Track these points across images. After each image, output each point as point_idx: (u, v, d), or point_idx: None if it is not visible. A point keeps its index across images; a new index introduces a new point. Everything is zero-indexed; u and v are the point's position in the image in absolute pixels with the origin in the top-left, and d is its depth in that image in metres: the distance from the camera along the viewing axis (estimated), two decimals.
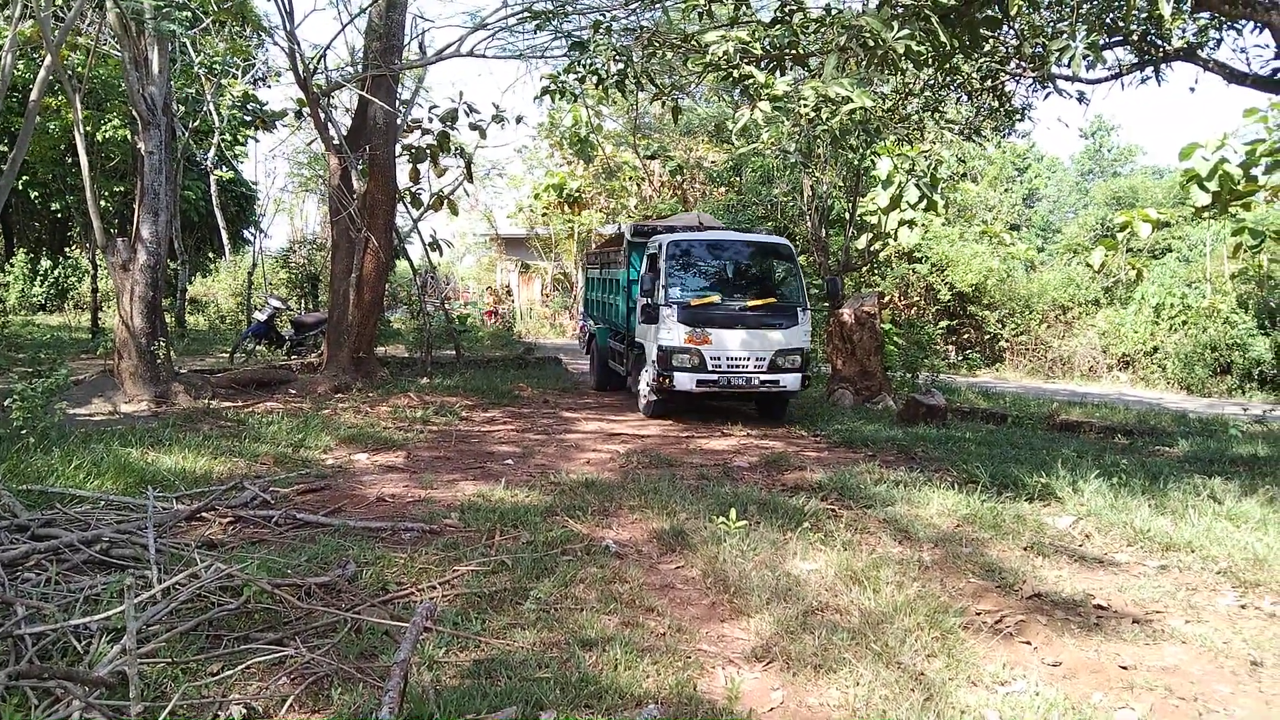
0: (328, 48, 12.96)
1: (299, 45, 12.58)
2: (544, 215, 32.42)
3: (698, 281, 12.56)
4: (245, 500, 6.83)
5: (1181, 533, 7.02)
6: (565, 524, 6.74)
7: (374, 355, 14.69)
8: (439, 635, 4.54)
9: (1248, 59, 12.16)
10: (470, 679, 4.13)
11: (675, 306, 11.95)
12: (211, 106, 20.38)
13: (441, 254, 16.75)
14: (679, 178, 29.34)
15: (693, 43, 7.17)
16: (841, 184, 22.31)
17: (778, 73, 6.65)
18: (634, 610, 5.18)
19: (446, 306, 22.07)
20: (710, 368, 11.92)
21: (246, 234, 28.14)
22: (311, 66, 12.90)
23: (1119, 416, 14.37)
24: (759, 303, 12.35)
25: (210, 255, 26.10)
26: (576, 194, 31.02)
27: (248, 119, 23.55)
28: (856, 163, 17.65)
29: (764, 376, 12.02)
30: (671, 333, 11.88)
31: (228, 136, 23.44)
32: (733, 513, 6.58)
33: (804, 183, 20.40)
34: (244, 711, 3.69)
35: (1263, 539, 6.81)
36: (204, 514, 6.46)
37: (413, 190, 14.25)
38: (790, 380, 12.18)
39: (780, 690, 4.31)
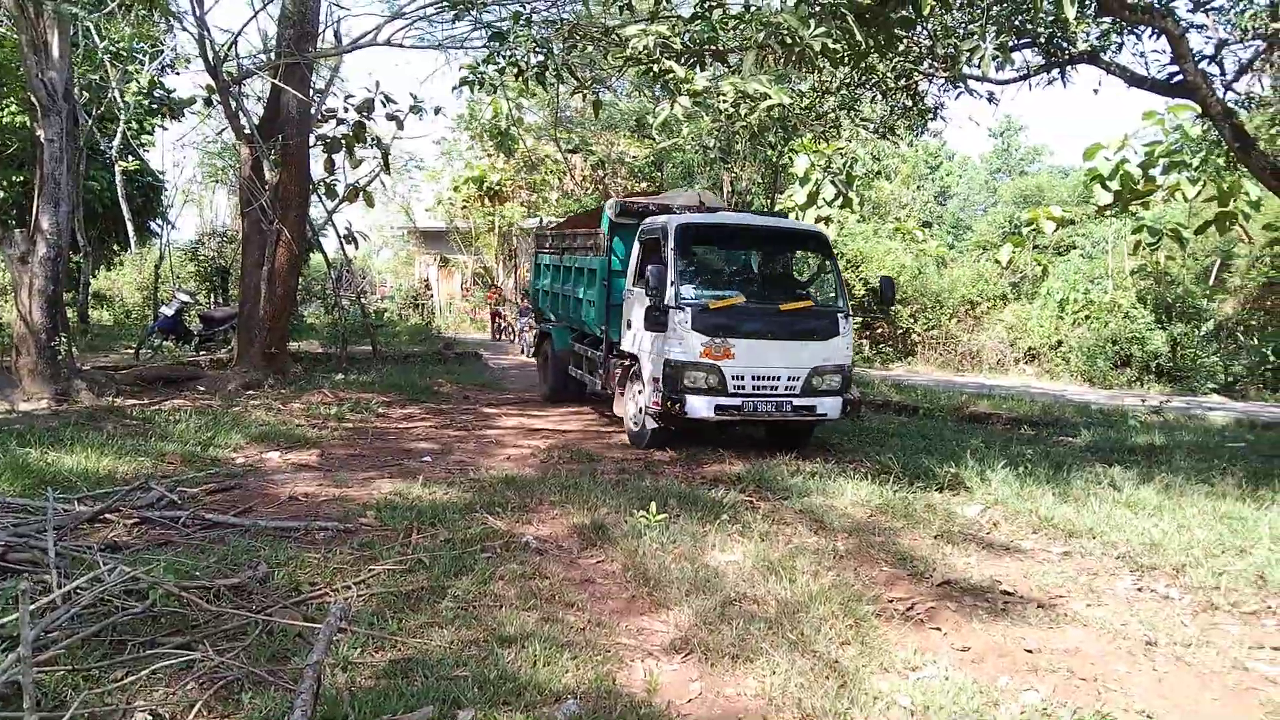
0: (239, 34, 12.57)
1: (209, 31, 12.20)
2: (464, 208, 32.04)
3: (714, 278, 10.29)
4: (151, 501, 6.61)
5: (1083, 520, 7.30)
6: (484, 521, 6.68)
7: (287, 351, 14.35)
8: (354, 636, 4.46)
9: (1146, 63, 12.65)
10: (386, 679, 4.07)
11: (689, 310, 9.17)
12: (116, 93, 19.61)
13: (357, 247, 16.43)
14: (601, 172, 29.30)
15: (613, 36, 7.17)
16: (760, 180, 22.59)
17: (698, 68, 6.70)
18: (554, 606, 5.17)
19: (363, 301, 21.66)
20: (732, 389, 9.22)
21: (153, 226, 27.19)
22: (222, 53, 12.51)
23: (1025, 408, 14.85)
24: (793, 307, 9.67)
25: (115, 248, 25.14)
26: (497, 187, 30.75)
27: (155, 107, 22.73)
28: (775, 159, 17.86)
29: (797, 401, 9.44)
30: (684, 343, 9.15)
31: (134, 125, 22.59)
32: (653, 506, 6.63)
33: (724, 178, 20.58)
34: (149, 719, 3.58)
35: (1158, 525, 7.12)
36: (107, 515, 6.23)
37: (328, 181, 13.95)
38: (829, 405, 9.59)
39: (698, 681, 4.35)
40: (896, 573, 6.06)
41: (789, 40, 6.38)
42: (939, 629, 5.21)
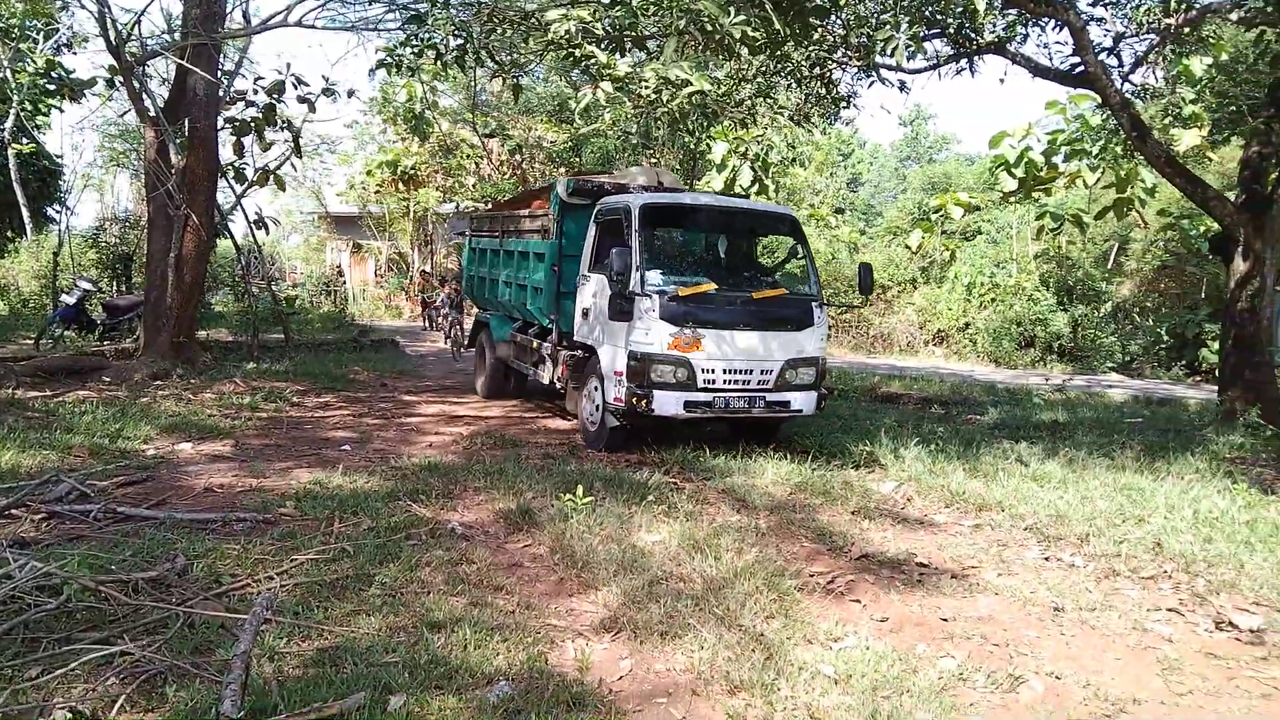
0: (143, 13, 12.13)
1: (110, 9, 11.73)
2: (377, 193, 31.47)
3: (680, 263, 9.67)
4: (60, 495, 6.37)
5: (993, 493, 7.59)
6: (408, 509, 6.63)
7: (196, 340, 13.93)
8: (279, 626, 4.40)
9: (1050, 55, 13.14)
10: (315, 668, 4.03)
11: (657, 297, 8.46)
12: (9, 74, 18.70)
13: (268, 232, 16.00)
14: (518, 157, 29.07)
15: (534, 20, 7.15)
16: (678, 166, 22.70)
17: (619, 54, 6.72)
18: (482, 590, 5.18)
19: (274, 287, 21.13)
20: (702, 383, 8.55)
21: (51, 211, 26.04)
22: (125, 32, 12.05)
23: (935, 388, 15.31)
24: (766, 295, 9.00)
25: (10, 235, 24.00)
26: (412, 171, 30.26)
27: (51, 88, 21.72)
28: (694, 146, 17.97)
29: (771, 396, 8.82)
30: (651, 333, 8.45)
31: (28, 106, 21.58)
32: (579, 489, 6.66)
33: (643, 164, 20.62)
34: (69, 715, 3.48)
35: (1063, 497, 7.44)
36: (14, 511, 5.99)
37: (236, 165, 13.55)
38: (803, 400, 8.98)
39: (629, 659, 4.42)
40: (817, 548, 6.24)
41: (709, 27, 6.45)
42: (859, 601, 5.38)
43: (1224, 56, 14.37)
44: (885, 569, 5.91)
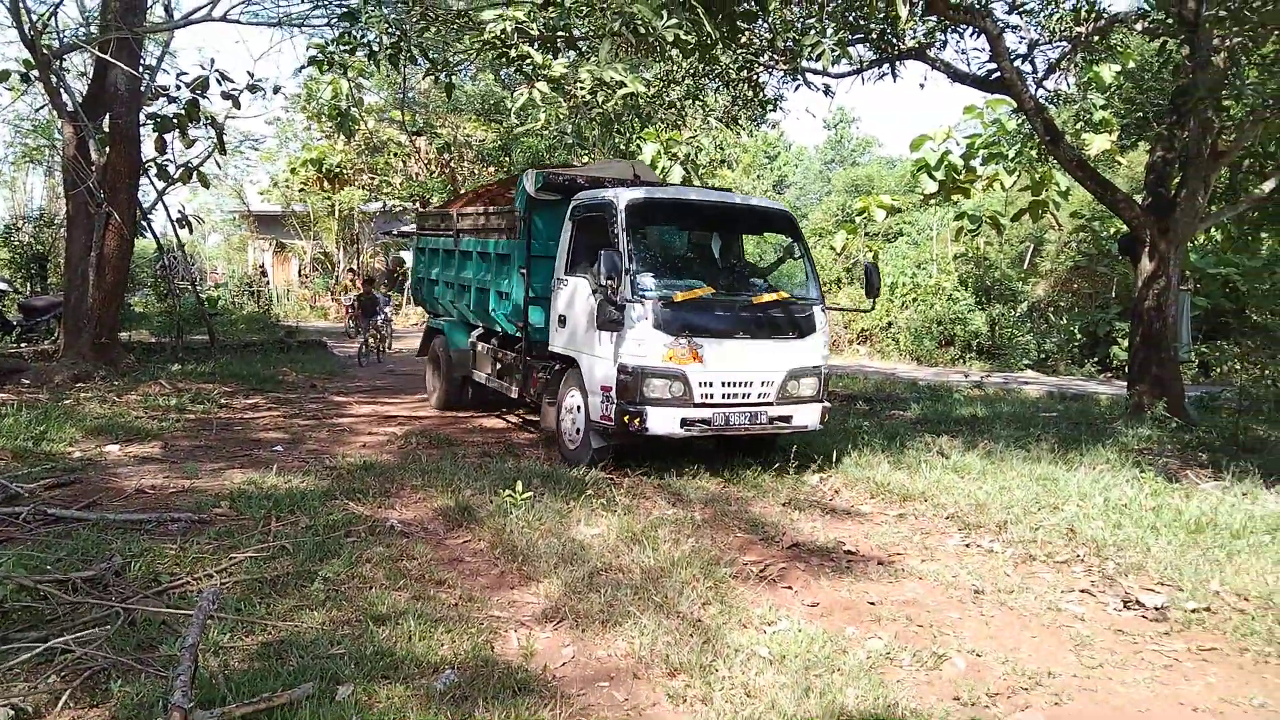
0: (60, 4, 11.82)
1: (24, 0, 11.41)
2: (301, 191, 30.96)
3: (671, 265, 8.72)
4: None
5: (916, 485, 7.88)
6: (346, 507, 6.64)
7: (118, 341, 13.61)
8: (221, 622, 4.41)
9: (968, 60, 13.61)
10: (260, 661, 4.07)
11: (650, 304, 7.67)
12: None
13: (191, 231, 15.69)
14: (447, 155, 28.89)
15: (467, 19, 7.23)
16: None
17: (553, 55, 6.83)
18: (424, 584, 5.24)
19: (198, 288, 20.68)
20: (699, 398, 7.76)
21: None
22: (40, 24, 11.72)
23: (860, 385, 15.72)
24: (766, 299, 8.26)
25: None
26: (337, 170, 29.86)
27: None
28: (623, 146, 18.13)
29: (774, 410, 8.08)
30: (644, 344, 7.61)
31: None
32: (519, 485, 6.73)
33: (575, 164, 20.70)
34: (11, 713, 3.48)
35: (982, 487, 7.76)
36: None
37: (159, 162, 13.27)
38: (807, 414, 8.28)
39: (571, 646, 4.54)
40: (750, 538, 6.43)
41: (643, 30, 6.60)
42: (790, 587, 5.59)
43: (1131, 64, 15.03)
44: (815, 557, 6.13)
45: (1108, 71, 16.02)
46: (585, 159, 20.17)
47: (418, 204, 29.84)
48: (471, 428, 10.66)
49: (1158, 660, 4.81)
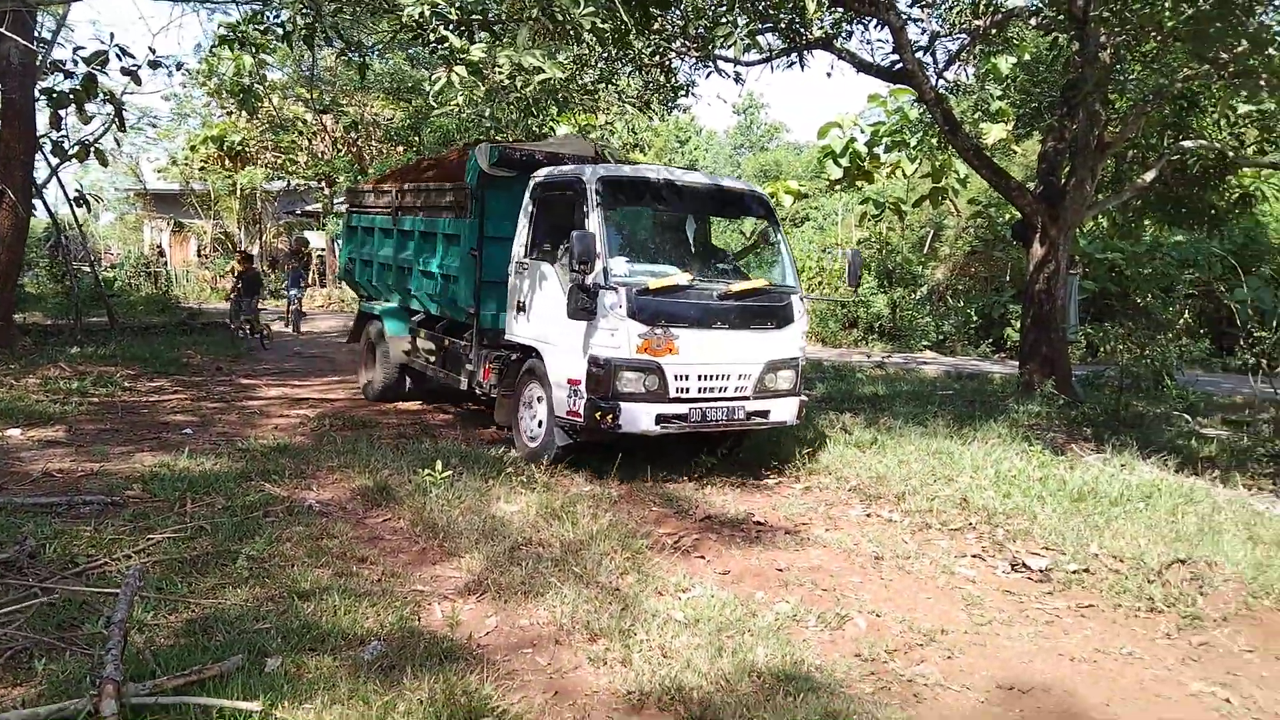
0: None
1: None
2: (202, 169, 30.04)
3: (645, 250, 8.26)
4: None
5: (821, 459, 8.23)
6: (262, 488, 6.63)
7: (13, 323, 13.12)
8: (144, 600, 4.43)
9: (873, 51, 14.02)
10: (186, 638, 4.11)
11: (624, 291, 7.12)
12: None
13: (89, 210, 15.16)
14: (354, 134, 28.39)
15: (383, 2, 7.24)
16: None
17: (471, 39, 6.88)
18: (346, 561, 5.32)
19: (95, 269, 19.97)
20: (675, 392, 7.28)
21: None
22: None
23: None
24: (744, 288, 7.77)
25: None
26: (239, 147, 29.05)
27: None
28: (537, 129, 18.14)
29: (751, 405, 7.66)
30: (617, 334, 7.11)
31: None
32: (438, 464, 6.82)
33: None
34: None
35: (882, 461, 8.14)
36: None
37: (54, 138, 12.79)
38: (785, 409, 7.90)
39: (494, 616, 4.70)
40: (664, 511, 6.68)
41: (560, 16, 6.72)
42: (703, 557, 5.85)
43: (1026, 57, 15.69)
44: (726, 528, 6.41)
45: (1004, 63, 16.70)
46: (502, 138, 20.08)
47: (323, 183, 29.30)
48: (386, 410, 10.64)
49: (1041, 617, 5.20)
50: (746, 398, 7.63)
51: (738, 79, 14.15)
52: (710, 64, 13.78)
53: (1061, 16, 11.78)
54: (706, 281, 7.75)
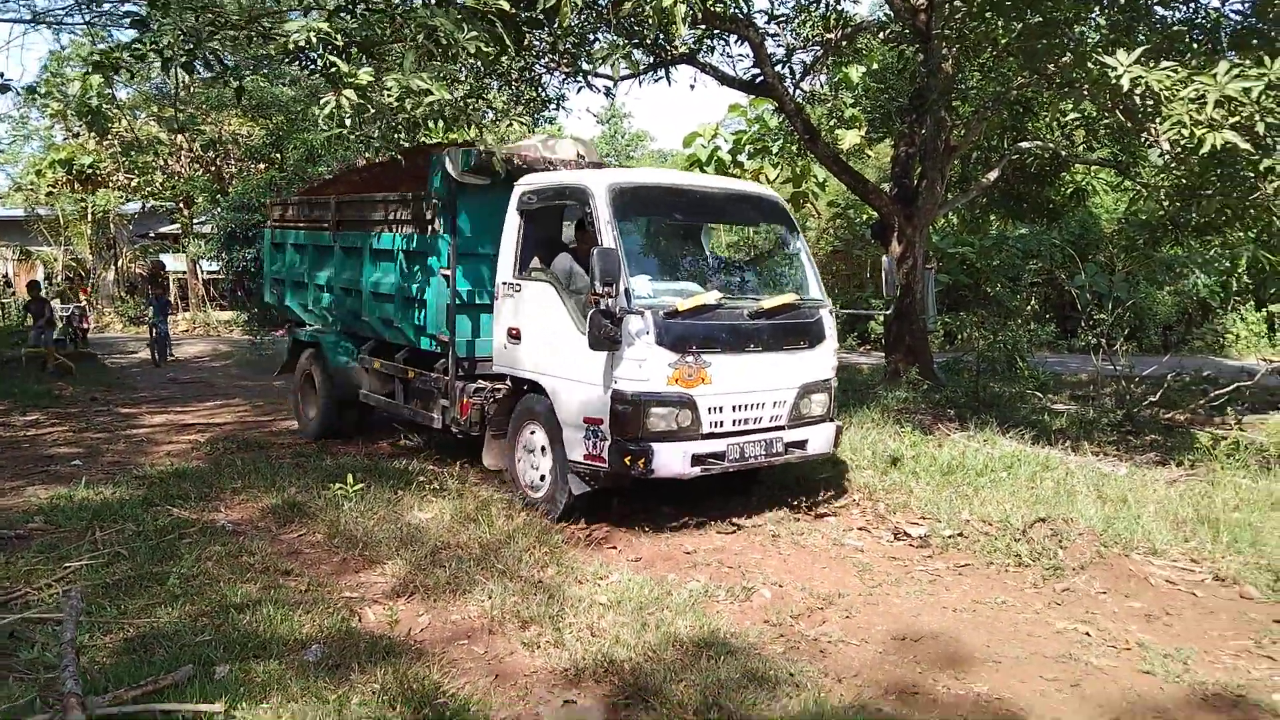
0: None
1: None
2: (49, 194, 28.60)
3: (664, 266, 7.25)
4: None
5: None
6: (169, 512, 6.62)
7: None
8: (77, 625, 4.49)
9: (734, 65, 14.69)
10: (127, 655, 4.22)
11: (650, 316, 6.17)
12: None
13: None
14: (212, 153, 27.56)
15: (260, 25, 7.33)
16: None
17: (358, 64, 7.05)
18: (271, 575, 5.45)
19: None
20: (709, 427, 6.38)
21: None
22: None
23: None
24: (776, 304, 6.84)
25: None
26: (89, 170, 27.80)
27: None
28: (408, 144, 18.12)
29: (789, 435, 6.80)
30: (646, 365, 6.14)
31: None
32: (349, 478, 6.96)
33: (358, 163, 20.43)
34: None
35: None
36: None
37: None
38: (821, 438, 7.03)
39: (426, 615, 4.95)
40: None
41: (445, 41, 6.98)
42: (615, 547, 6.24)
43: (875, 65, 16.68)
44: (634, 518, 6.77)
45: (855, 73, 17.69)
46: (369, 156, 19.95)
47: (181, 204, 28.33)
48: (276, 430, 10.57)
49: (924, 577, 5.78)
50: (782, 427, 6.80)
51: (608, 93, 14.62)
52: (580, 79, 14.20)
53: (907, 31, 12.68)
54: (735, 299, 6.88)
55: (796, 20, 14.26)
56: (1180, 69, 6.89)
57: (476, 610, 4.96)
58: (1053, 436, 9.70)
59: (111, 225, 29.75)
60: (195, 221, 27.99)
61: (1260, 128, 6.69)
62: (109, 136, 26.86)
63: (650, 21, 12.35)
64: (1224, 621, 5.13)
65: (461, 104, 12.28)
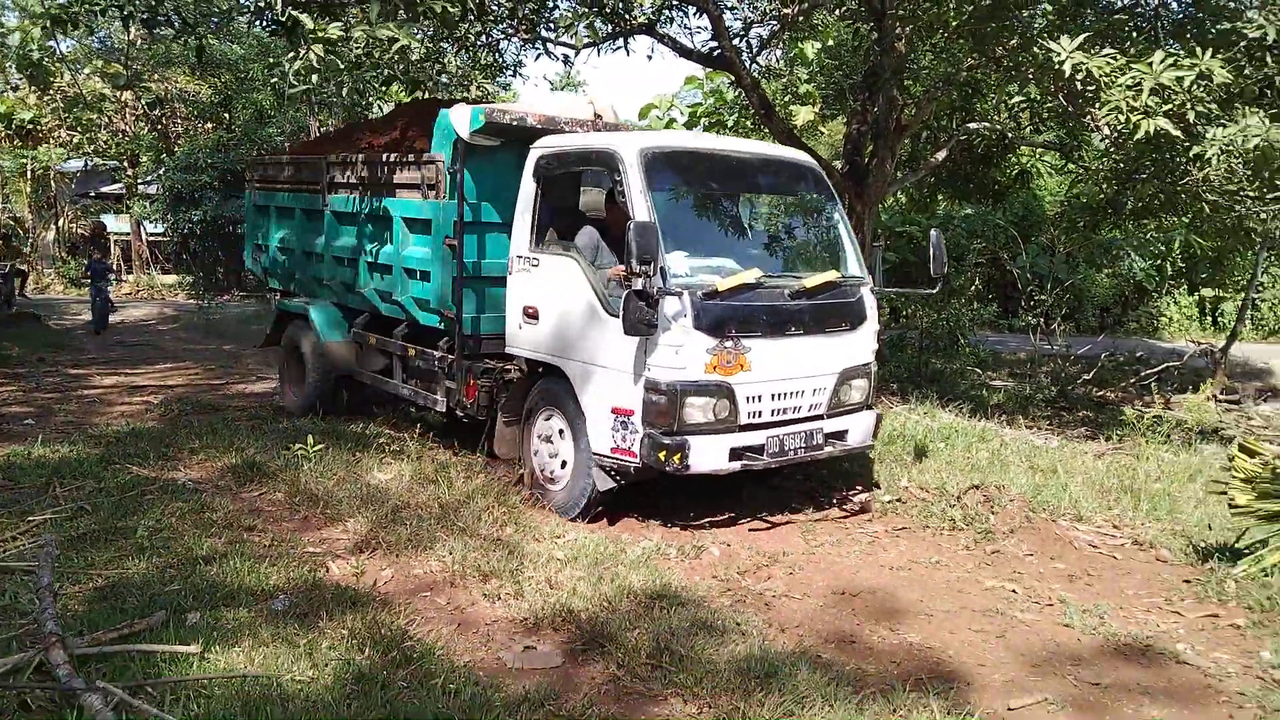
0: None
1: None
2: None
3: (699, 241, 6.35)
4: None
5: None
6: (129, 470, 6.67)
7: None
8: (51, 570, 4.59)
9: (692, 37, 14.83)
10: (99, 603, 4.35)
11: (687, 295, 5.64)
12: None
13: None
14: (158, 111, 27.02)
15: None
16: (341, 126, 22.44)
17: (324, 18, 7.08)
18: (235, 531, 5.57)
19: None
20: (746, 417, 5.90)
21: None
22: None
23: None
24: (819, 282, 6.26)
25: None
26: (30, 125, 27.09)
27: None
28: (364, 107, 18.03)
29: (828, 426, 6.34)
30: (683, 351, 5.64)
31: None
32: (309, 438, 7.06)
33: (311, 125, 20.24)
34: None
35: None
36: None
37: None
38: (861, 428, 6.60)
39: (389, 569, 5.12)
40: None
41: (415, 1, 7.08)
42: None
43: (831, 42, 16.91)
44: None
45: (810, 49, 17.90)
46: (323, 118, 19.81)
47: (125, 163, 27.74)
48: (231, 393, 10.60)
49: (864, 539, 6.09)
50: (821, 416, 6.30)
51: (567, 61, 14.66)
52: (539, 46, 14.23)
53: (862, 9, 12.91)
54: (774, 278, 6.22)
55: None
56: (1120, 56, 7.21)
57: (438, 565, 5.15)
58: (990, 411, 10.11)
59: (52, 183, 29.04)
60: (140, 181, 27.47)
61: (1191, 115, 7.05)
62: (51, 91, 26.20)
63: None
64: (1139, 581, 5.50)
65: (418, 66, 12.35)
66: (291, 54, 6.87)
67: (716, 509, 6.56)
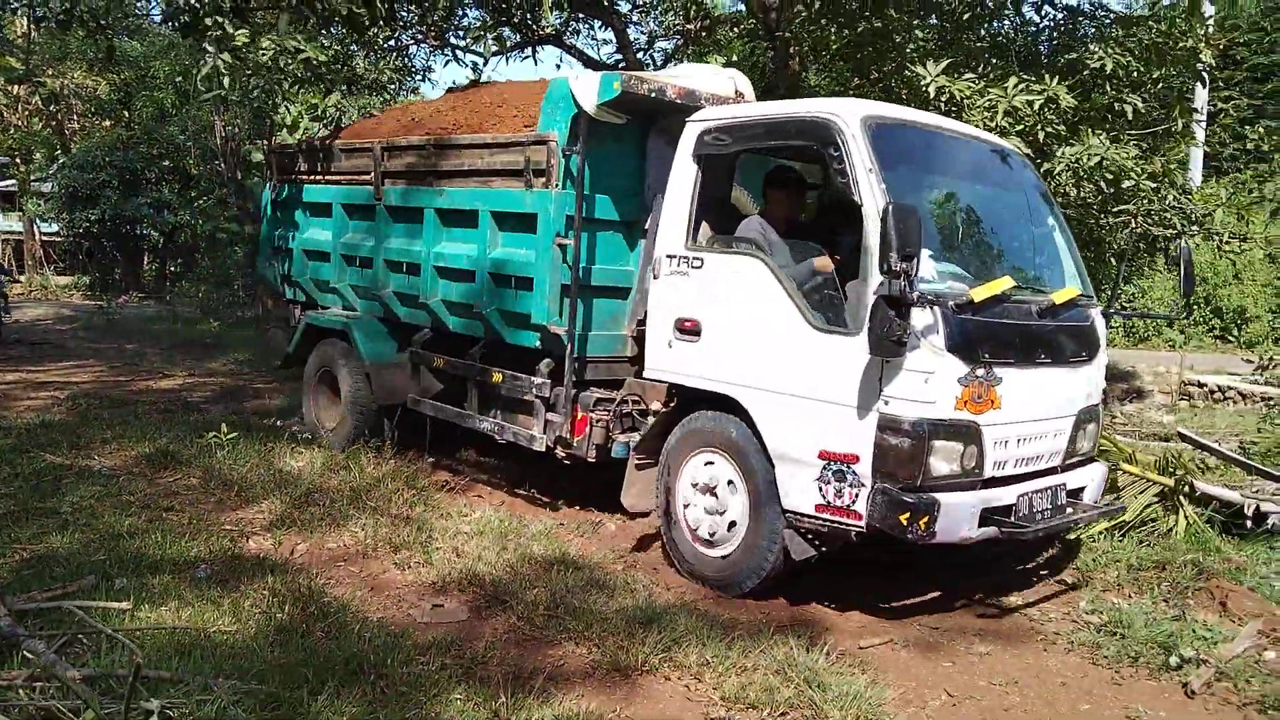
0: None
1: None
2: None
3: (935, 241, 5.13)
4: None
5: None
6: (43, 458, 6.83)
7: None
8: None
9: (599, 49, 15.36)
10: (27, 570, 4.62)
11: (938, 308, 4.40)
12: None
13: None
14: (53, 107, 26.35)
15: None
16: (245, 126, 22.22)
17: (236, 25, 7.38)
18: (153, 511, 5.83)
19: None
20: (991, 469, 4.65)
21: None
22: None
23: None
24: (1067, 297, 5.11)
25: None
26: None
27: None
28: (271, 106, 17.97)
29: (1072, 482, 5.19)
30: (932, 380, 4.38)
31: None
32: (223, 426, 7.31)
33: (216, 124, 20.09)
34: None
35: None
36: None
37: None
38: (1095, 484, 5.42)
39: (304, 544, 5.49)
40: (440, 460, 7.56)
41: (319, 5, 7.43)
42: (479, 495, 6.89)
43: (735, 57, 17.62)
44: (492, 473, 7.41)
45: (715, 63, 18.60)
46: (227, 118, 19.66)
47: (17, 159, 26.95)
48: (138, 389, 10.65)
49: None
50: (1056, 469, 5.11)
51: (475, 68, 15.03)
52: (447, 52, 14.57)
53: (759, 29, 13.63)
54: (1023, 289, 5.03)
55: (658, 9, 15.05)
56: (979, 80, 7.98)
57: (351, 539, 5.53)
58: None
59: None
60: (33, 179, 26.73)
61: (1041, 135, 7.85)
62: None
63: (519, 1, 12.94)
64: None
65: (324, 69, 12.59)
66: (203, 61, 7.16)
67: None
